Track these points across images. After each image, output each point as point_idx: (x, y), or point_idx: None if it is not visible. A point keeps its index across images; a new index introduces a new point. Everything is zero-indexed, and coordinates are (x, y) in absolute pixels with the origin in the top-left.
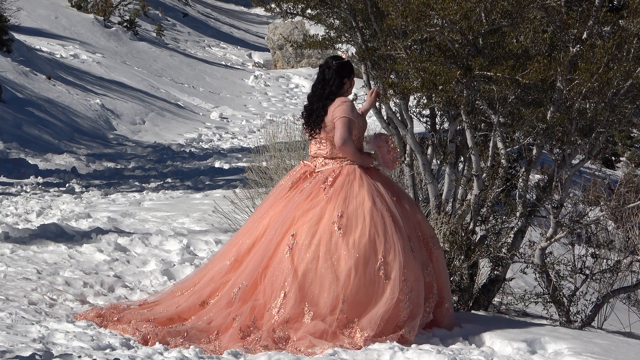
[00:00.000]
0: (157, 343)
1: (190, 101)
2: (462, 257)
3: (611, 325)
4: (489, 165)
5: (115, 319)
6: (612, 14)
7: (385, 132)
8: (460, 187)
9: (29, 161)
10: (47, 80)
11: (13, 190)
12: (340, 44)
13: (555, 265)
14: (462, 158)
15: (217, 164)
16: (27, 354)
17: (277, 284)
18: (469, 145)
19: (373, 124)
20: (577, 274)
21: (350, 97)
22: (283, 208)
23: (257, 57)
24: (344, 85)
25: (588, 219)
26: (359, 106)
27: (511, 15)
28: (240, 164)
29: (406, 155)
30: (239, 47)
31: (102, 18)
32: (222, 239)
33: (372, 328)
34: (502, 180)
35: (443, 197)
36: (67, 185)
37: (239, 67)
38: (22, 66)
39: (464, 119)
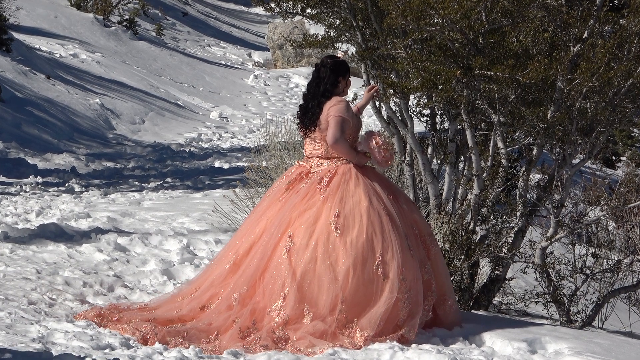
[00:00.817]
0: (156, 343)
1: (190, 101)
2: (463, 256)
3: (612, 325)
4: (489, 164)
5: (115, 318)
6: (612, 14)
7: (377, 131)
8: (460, 187)
9: (29, 161)
10: (46, 80)
11: (12, 190)
12: (340, 43)
13: (555, 265)
14: (462, 157)
15: (216, 164)
16: (26, 353)
17: (275, 286)
18: (470, 145)
19: (373, 124)
20: (578, 274)
21: (350, 96)
22: (280, 209)
23: (257, 56)
24: (338, 83)
25: (588, 218)
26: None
27: (512, 15)
28: (240, 164)
29: (406, 154)
30: (238, 46)
31: (102, 17)
32: (222, 238)
33: (372, 328)
34: (503, 180)
35: (443, 196)
36: (66, 185)
37: (239, 66)
38: (22, 65)
39: (464, 119)
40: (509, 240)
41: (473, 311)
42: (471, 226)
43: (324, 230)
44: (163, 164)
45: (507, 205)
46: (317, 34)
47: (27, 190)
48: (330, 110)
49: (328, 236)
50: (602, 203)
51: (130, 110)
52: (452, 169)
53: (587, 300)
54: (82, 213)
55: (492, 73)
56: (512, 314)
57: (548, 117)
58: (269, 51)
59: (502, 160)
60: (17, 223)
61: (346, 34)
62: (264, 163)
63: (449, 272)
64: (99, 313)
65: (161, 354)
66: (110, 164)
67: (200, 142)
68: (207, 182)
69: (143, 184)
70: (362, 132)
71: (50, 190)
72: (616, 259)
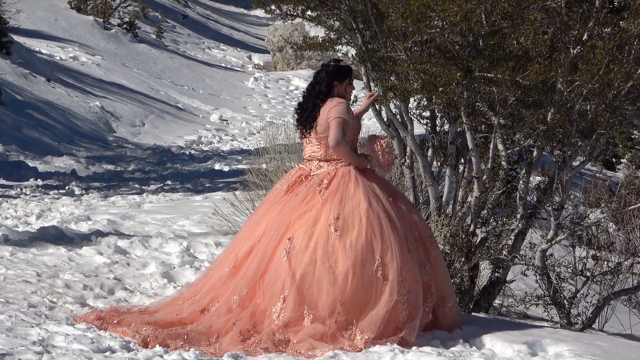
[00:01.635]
0: (157, 346)
1: (190, 103)
2: (463, 259)
3: (612, 327)
4: (489, 167)
5: (115, 321)
6: (612, 15)
7: (380, 135)
8: (460, 189)
9: (29, 164)
10: (46, 83)
11: (13, 192)
12: (340, 46)
13: (556, 268)
14: (462, 160)
15: (217, 166)
16: (26, 356)
17: (275, 289)
18: (470, 147)
19: (373, 126)
20: (578, 276)
21: (351, 99)
22: (279, 212)
23: (257, 59)
24: (333, 87)
25: (589, 221)
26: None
27: (511, 17)
28: (240, 166)
29: (407, 157)
30: (238, 49)
31: (102, 20)
32: (222, 241)
33: (373, 330)
34: (503, 182)
35: (443, 199)
36: (66, 187)
37: (239, 69)
38: (22, 68)
39: (465, 121)
40: (509, 242)
41: (473, 314)
42: (471, 228)
43: (323, 233)
44: (163, 166)
45: (507, 208)
46: (317, 36)
47: (28, 193)
48: (331, 112)
49: (327, 238)
50: (603, 205)
51: (130, 113)
52: (453, 172)
53: (588, 302)
54: (82, 216)
55: (492, 75)
56: (512, 316)
57: (548, 119)
58: (269, 54)
59: (502, 163)
60: (17, 226)
61: (346, 36)
62: (264, 165)
63: (450, 274)
64: (99, 316)
65: (162, 356)
66: (110, 167)
67: (200, 145)
68: (207, 185)
69: (143, 187)
70: (364, 136)
71: (51, 193)
72: (616, 261)
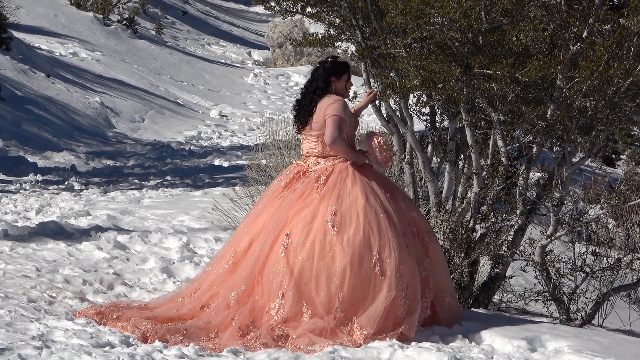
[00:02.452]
0: (156, 341)
1: (189, 99)
2: (462, 255)
3: (611, 323)
4: (489, 163)
5: (115, 316)
6: (612, 12)
7: (378, 131)
8: (460, 185)
9: (28, 159)
10: (46, 78)
11: (12, 188)
12: (340, 42)
13: (555, 263)
14: (462, 156)
15: (216, 162)
16: (26, 351)
17: (274, 285)
18: (469, 143)
19: (373, 122)
20: (578, 272)
21: (350, 95)
22: (277, 208)
23: (257, 55)
24: (330, 82)
25: (588, 216)
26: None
27: (511, 13)
28: (240, 162)
29: (406, 153)
30: (238, 45)
31: (102, 16)
32: (222, 236)
33: (372, 326)
34: (502, 178)
35: (443, 195)
36: (66, 183)
37: (239, 65)
38: (22, 64)
39: (464, 117)
40: (509, 238)
41: (473, 309)
42: (471, 224)
43: (320, 229)
44: (163, 162)
45: (507, 204)
46: (317, 32)
47: (27, 188)
48: (327, 110)
49: (325, 234)
50: (602, 201)
51: (130, 109)
52: (452, 168)
53: (587, 298)
54: (81, 211)
55: (491, 72)
56: (511, 312)
57: (548, 116)
58: (269, 50)
59: (502, 159)
60: (17, 221)
61: (346, 33)
62: (263, 161)
63: (449, 270)
64: (98, 311)
65: (161, 351)
66: (110, 162)
67: (200, 141)
68: (206, 180)
69: (143, 182)
70: (362, 132)
71: (50, 188)
72: (616, 257)
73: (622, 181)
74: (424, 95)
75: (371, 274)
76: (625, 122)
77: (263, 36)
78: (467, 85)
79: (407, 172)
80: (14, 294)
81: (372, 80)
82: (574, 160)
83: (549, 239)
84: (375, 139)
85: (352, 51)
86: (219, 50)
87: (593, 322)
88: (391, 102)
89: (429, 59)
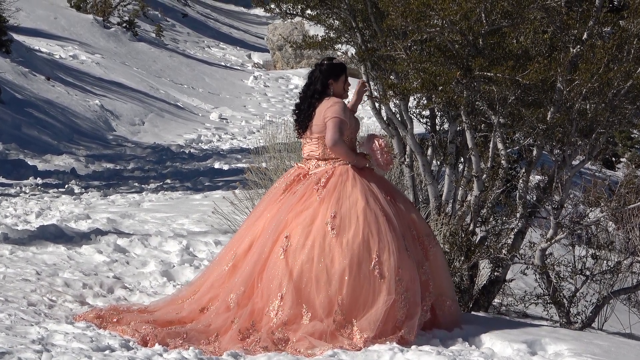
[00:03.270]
0: (156, 344)
1: (189, 102)
2: (462, 258)
3: (611, 326)
4: (489, 166)
5: (115, 320)
6: (612, 15)
7: (379, 134)
8: (460, 188)
9: (28, 162)
10: (46, 81)
11: (12, 191)
12: (340, 45)
13: (555, 267)
14: (462, 159)
15: (216, 165)
16: (26, 355)
17: (273, 287)
18: (469, 146)
19: (373, 125)
20: (578, 275)
21: (348, 96)
22: (277, 211)
23: (257, 57)
24: (329, 85)
25: (588, 220)
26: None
27: (511, 16)
28: (240, 165)
29: (406, 156)
30: (238, 47)
31: (102, 19)
32: (222, 240)
33: (372, 329)
34: (502, 181)
35: (443, 198)
36: (66, 186)
37: (239, 67)
38: (21, 67)
39: (464, 120)
40: (509, 241)
41: (473, 312)
42: (471, 227)
43: (320, 231)
44: (163, 165)
45: (507, 207)
46: (317, 35)
47: (27, 191)
48: (327, 112)
49: (324, 237)
50: (602, 204)
51: (130, 112)
52: (452, 170)
53: (587, 301)
54: (81, 214)
55: (491, 74)
56: (511, 315)
57: (548, 118)
58: (269, 52)
59: (502, 162)
60: (16, 224)
61: (346, 35)
62: (263, 164)
63: (449, 273)
64: (98, 314)
65: (161, 355)
66: (110, 165)
67: (200, 144)
68: (206, 184)
69: (143, 185)
70: (363, 135)
71: (50, 191)
72: (616, 260)
73: (622, 184)
74: (424, 98)
75: (370, 277)
76: (626, 124)
77: (263, 39)
78: (467, 88)
79: (407, 175)
80: (14, 298)
81: (372, 83)
82: (574, 163)
83: (549, 242)
84: (376, 142)
85: (352, 54)
86: (218, 53)
87: (593, 325)
88: (391, 104)
89: (429, 61)
